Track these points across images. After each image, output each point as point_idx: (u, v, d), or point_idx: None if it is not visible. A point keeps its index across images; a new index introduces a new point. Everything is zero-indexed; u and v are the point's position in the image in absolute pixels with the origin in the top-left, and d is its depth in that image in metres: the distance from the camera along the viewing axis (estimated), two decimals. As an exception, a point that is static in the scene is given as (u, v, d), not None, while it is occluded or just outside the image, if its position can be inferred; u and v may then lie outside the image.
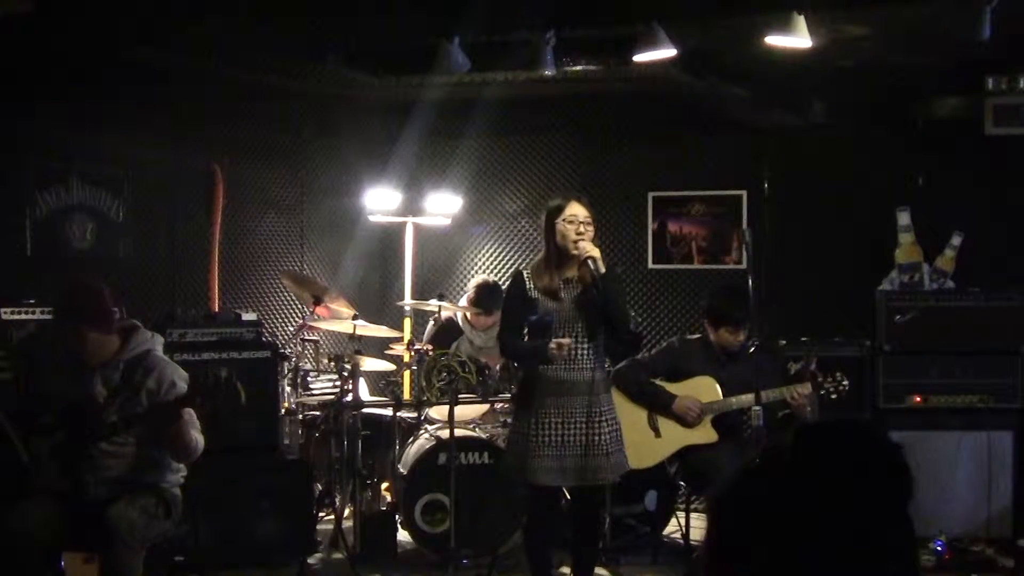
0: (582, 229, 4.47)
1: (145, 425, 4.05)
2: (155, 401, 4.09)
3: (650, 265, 7.22)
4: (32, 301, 5.03)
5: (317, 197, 7.35)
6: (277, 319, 7.04)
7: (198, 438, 4.12)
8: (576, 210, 4.51)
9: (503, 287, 6.33)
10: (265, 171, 6.98)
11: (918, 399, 5.93)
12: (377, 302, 7.69)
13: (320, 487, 5.95)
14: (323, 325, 6.23)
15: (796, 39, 5.03)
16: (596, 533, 4.94)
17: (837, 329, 6.16)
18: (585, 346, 4.51)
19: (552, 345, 4.39)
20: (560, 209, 4.53)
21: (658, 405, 5.40)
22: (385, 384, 5.94)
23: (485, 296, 6.21)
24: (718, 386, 5.37)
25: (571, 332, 4.49)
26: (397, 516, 5.68)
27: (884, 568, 1.44)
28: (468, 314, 6.31)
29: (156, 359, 4.24)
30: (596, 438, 4.46)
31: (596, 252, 4.45)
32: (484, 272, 7.51)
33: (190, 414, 4.08)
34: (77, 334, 4.08)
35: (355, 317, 5.83)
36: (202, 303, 6.35)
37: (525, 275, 4.60)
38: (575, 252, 4.47)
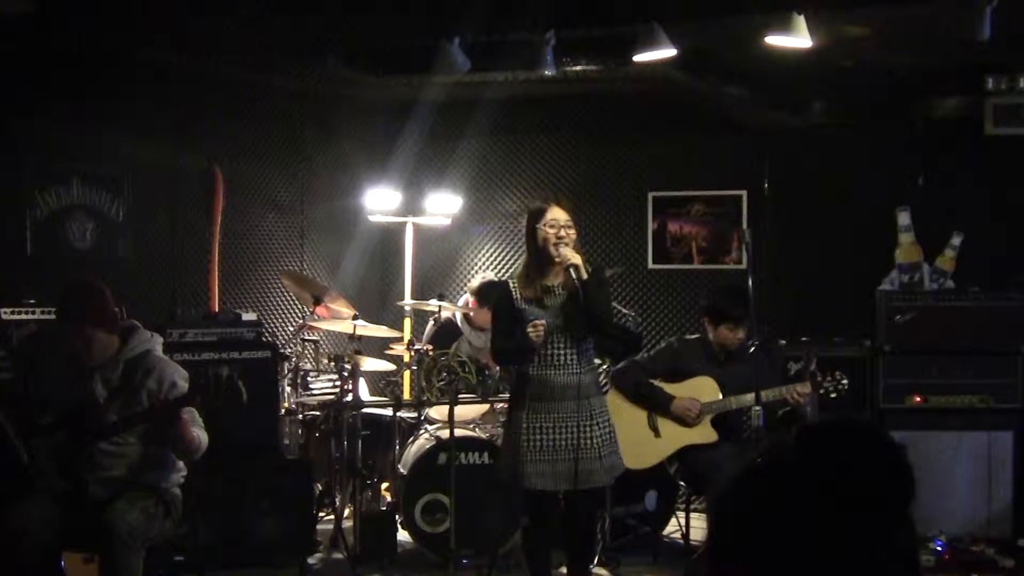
0: (562, 233, 4.42)
1: (146, 425, 4.06)
2: (156, 401, 4.09)
3: (650, 265, 7.22)
4: (32, 301, 5.02)
5: (317, 197, 7.34)
6: (277, 319, 7.03)
7: (201, 435, 4.12)
8: (556, 214, 4.46)
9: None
10: (265, 171, 6.97)
11: (918, 399, 5.93)
12: (377, 302, 7.68)
13: (320, 487, 5.95)
14: (323, 325, 6.23)
15: (796, 39, 5.03)
16: (590, 537, 4.88)
17: (837, 329, 6.16)
18: (572, 351, 4.48)
19: (528, 329, 4.37)
20: (541, 212, 4.48)
21: (656, 406, 5.40)
22: (385, 384, 5.93)
23: (488, 289, 6.20)
24: (717, 386, 5.37)
25: (558, 338, 4.46)
26: (397, 516, 5.68)
27: (885, 568, 1.44)
28: (468, 312, 6.31)
29: (156, 359, 4.24)
30: (587, 441, 4.44)
31: (577, 259, 4.39)
32: (484, 272, 7.49)
33: (191, 412, 4.08)
34: (82, 334, 4.07)
35: (355, 317, 5.83)
36: (202, 303, 6.35)
37: (511, 285, 4.57)
38: (556, 258, 4.44)
